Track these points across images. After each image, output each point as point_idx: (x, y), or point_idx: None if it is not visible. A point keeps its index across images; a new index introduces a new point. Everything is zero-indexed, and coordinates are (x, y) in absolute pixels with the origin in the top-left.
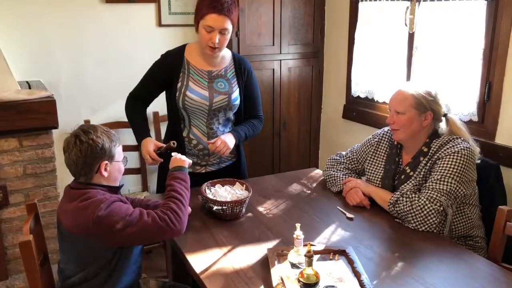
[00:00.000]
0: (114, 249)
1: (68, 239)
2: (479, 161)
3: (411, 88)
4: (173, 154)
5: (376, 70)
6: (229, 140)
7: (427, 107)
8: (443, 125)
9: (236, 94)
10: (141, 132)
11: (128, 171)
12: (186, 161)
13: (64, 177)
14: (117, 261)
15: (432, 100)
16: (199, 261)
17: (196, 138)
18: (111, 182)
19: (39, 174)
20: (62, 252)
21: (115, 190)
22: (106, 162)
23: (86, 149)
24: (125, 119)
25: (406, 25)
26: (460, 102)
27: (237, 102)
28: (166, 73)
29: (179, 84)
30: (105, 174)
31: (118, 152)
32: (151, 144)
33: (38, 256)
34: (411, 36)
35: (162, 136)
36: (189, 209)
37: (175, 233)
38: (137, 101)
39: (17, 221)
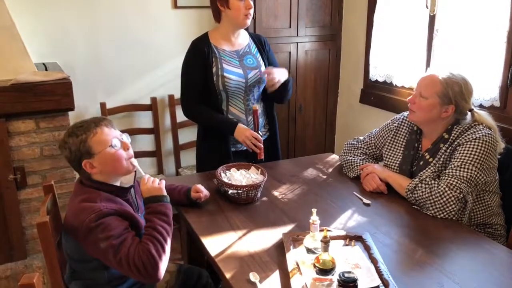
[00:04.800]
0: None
1: (64, 234)
2: (499, 156)
3: (444, 75)
4: (143, 175)
5: (395, 54)
6: (282, 72)
7: (451, 99)
8: (468, 117)
9: (263, 67)
10: (229, 121)
11: (143, 154)
12: (162, 187)
13: None
14: None
15: (460, 94)
16: (214, 244)
17: (235, 116)
18: (112, 174)
19: (56, 155)
20: (63, 242)
21: (122, 192)
22: (85, 160)
23: (65, 158)
24: (141, 102)
25: (427, 7)
26: (481, 87)
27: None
28: (202, 59)
29: (214, 69)
30: (94, 171)
31: (98, 142)
32: (248, 129)
33: (55, 237)
34: (431, 19)
35: (178, 120)
36: (207, 193)
37: (147, 281)
38: (196, 102)
39: (34, 202)
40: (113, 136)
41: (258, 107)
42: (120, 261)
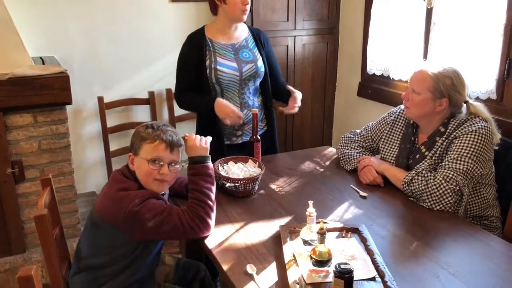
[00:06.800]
0: (137, 244)
1: (95, 222)
2: (497, 148)
3: (434, 70)
4: (188, 135)
5: (392, 47)
6: (300, 96)
7: (444, 93)
8: (464, 110)
9: (260, 61)
10: (207, 99)
11: None
12: (207, 146)
13: (78, 153)
14: (138, 254)
15: (452, 87)
16: (212, 237)
17: None
18: (142, 181)
19: (53, 149)
20: (84, 232)
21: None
22: (130, 153)
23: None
24: (138, 96)
25: (424, 0)
26: (478, 80)
27: (263, 69)
28: (197, 52)
29: (207, 62)
30: (131, 166)
31: (146, 150)
32: (227, 103)
33: (53, 231)
34: (429, 12)
35: (176, 114)
36: (210, 138)
37: (202, 237)
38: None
39: (33, 196)
40: (161, 156)
41: (256, 101)
42: (175, 227)
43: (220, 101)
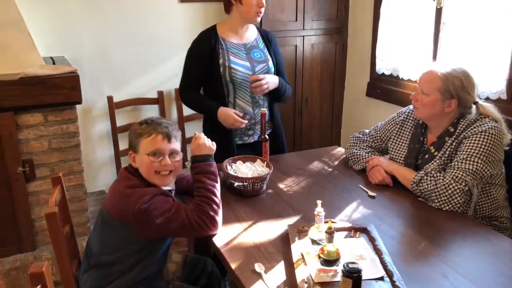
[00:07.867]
0: (147, 241)
1: (105, 219)
2: (507, 148)
3: (443, 70)
4: (197, 134)
5: (401, 47)
6: (273, 79)
7: (453, 94)
8: (473, 111)
9: (271, 62)
10: (212, 104)
11: None
12: (214, 148)
13: (88, 152)
14: (147, 251)
15: (461, 88)
16: (220, 235)
17: (242, 109)
18: (146, 176)
19: (63, 148)
20: (94, 229)
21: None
22: (130, 151)
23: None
24: (147, 95)
25: None
26: (488, 80)
27: (273, 70)
28: (209, 50)
29: (221, 60)
30: (134, 164)
31: (144, 145)
32: (230, 110)
33: (63, 228)
34: (438, 11)
35: (185, 113)
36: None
37: (211, 234)
38: (191, 89)
39: (43, 194)
40: (160, 148)
41: (266, 100)
42: (183, 224)
43: (223, 111)
